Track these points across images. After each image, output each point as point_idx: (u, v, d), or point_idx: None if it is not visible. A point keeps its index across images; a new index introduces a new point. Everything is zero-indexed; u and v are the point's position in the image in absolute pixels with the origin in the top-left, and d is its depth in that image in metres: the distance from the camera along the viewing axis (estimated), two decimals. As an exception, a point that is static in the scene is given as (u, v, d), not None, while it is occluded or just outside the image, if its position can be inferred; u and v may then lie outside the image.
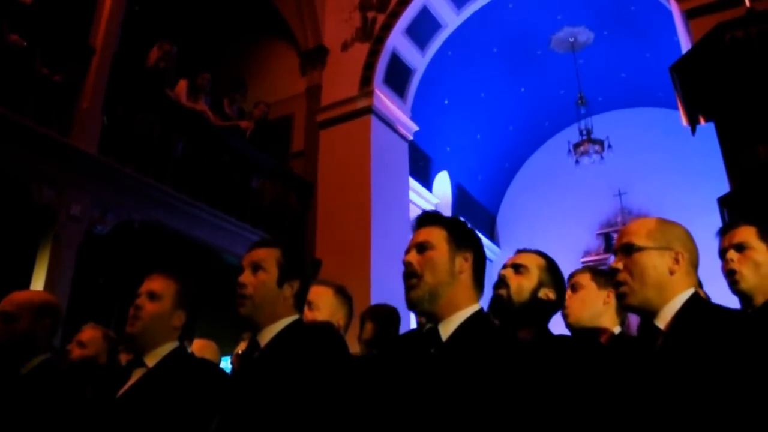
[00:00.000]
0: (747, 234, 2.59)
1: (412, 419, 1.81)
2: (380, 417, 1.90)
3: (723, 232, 2.68)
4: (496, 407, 1.75)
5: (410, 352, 2.01)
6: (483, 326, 1.98)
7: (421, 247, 2.04)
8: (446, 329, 1.96)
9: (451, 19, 10.51)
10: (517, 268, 2.56)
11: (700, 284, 3.16)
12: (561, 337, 2.59)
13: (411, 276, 2.02)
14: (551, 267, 2.61)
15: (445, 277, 2.00)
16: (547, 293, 2.55)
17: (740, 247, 2.58)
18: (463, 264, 2.04)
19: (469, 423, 1.74)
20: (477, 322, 1.98)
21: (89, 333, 3.75)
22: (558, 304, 2.61)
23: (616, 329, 2.76)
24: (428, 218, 2.13)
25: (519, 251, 2.70)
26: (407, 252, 2.07)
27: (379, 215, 9.11)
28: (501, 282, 2.55)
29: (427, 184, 12.09)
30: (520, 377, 1.80)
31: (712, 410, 1.64)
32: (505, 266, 2.61)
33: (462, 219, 2.22)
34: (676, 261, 1.94)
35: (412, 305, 2.03)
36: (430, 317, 2.01)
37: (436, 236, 2.05)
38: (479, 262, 2.10)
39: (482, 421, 1.74)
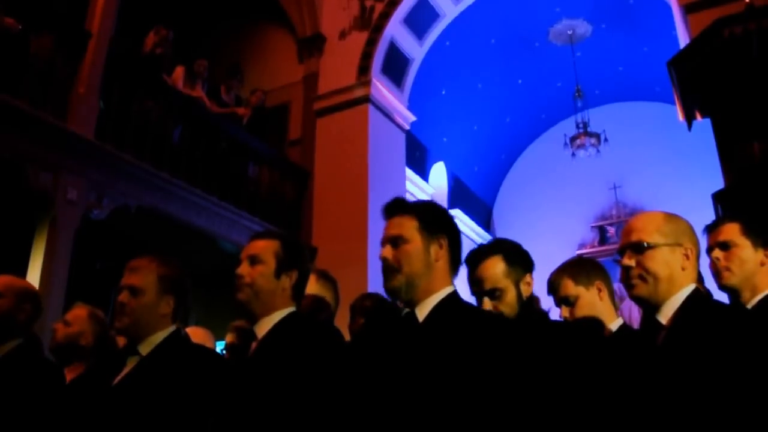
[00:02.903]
0: (731, 231, 2.62)
1: (398, 400, 1.86)
2: (369, 402, 1.94)
3: (709, 230, 2.70)
4: (470, 382, 1.81)
5: (392, 336, 2.06)
6: (456, 306, 2.04)
7: (395, 241, 2.07)
8: (422, 312, 2.02)
9: (449, 9, 10.49)
10: (493, 295, 2.55)
11: (701, 279, 3.19)
12: (565, 324, 2.61)
13: (390, 270, 2.06)
14: (512, 259, 2.60)
15: (421, 268, 2.04)
16: (527, 282, 2.58)
17: (725, 246, 2.61)
18: (439, 251, 2.08)
19: (447, 398, 1.80)
20: (450, 303, 2.04)
21: (75, 312, 3.66)
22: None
23: (617, 322, 2.75)
24: (398, 207, 2.15)
25: (475, 266, 2.64)
26: (383, 245, 2.10)
27: (376, 204, 9.07)
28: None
29: (424, 174, 12.09)
30: (491, 352, 1.86)
31: (714, 405, 1.66)
32: (480, 294, 2.58)
33: (433, 202, 2.23)
34: (687, 257, 1.97)
35: (391, 294, 2.09)
36: (408, 303, 2.06)
37: (409, 228, 2.08)
38: (455, 243, 2.13)
39: (458, 396, 1.80)
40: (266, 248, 2.32)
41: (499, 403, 1.80)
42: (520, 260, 2.62)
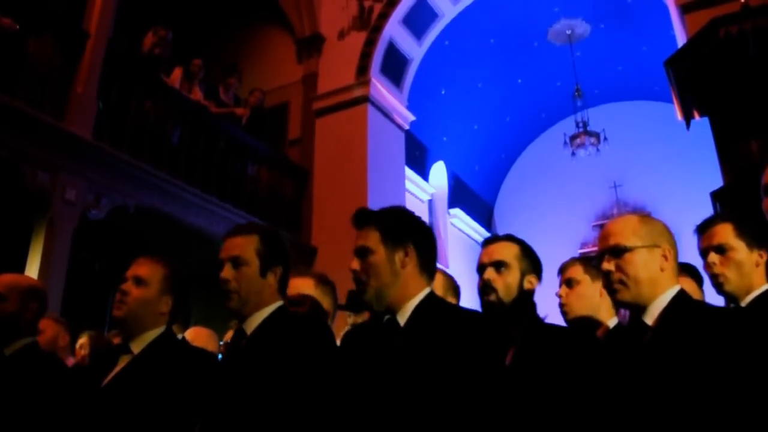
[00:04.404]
0: (725, 234, 2.57)
1: (382, 402, 1.89)
2: (356, 406, 1.96)
3: (701, 231, 2.65)
4: (451, 380, 1.84)
5: (375, 341, 2.09)
6: (433, 307, 2.08)
7: (361, 253, 2.10)
8: (403, 317, 2.05)
9: (447, 9, 10.49)
10: (498, 267, 2.54)
11: (701, 281, 3.18)
12: (556, 327, 2.61)
13: (358, 283, 2.09)
14: (527, 252, 2.61)
15: (387, 278, 2.06)
16: (530, 280, 2.57)
17: (720, 249, 2.56)
18: (404, 259, 2.09)
19: (429, 398, 1.83)
20: (428, 304, 2.08)
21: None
22: (538, 284, 2.63)
23: (612, 321, 2.78)
24: (362, 218, 2.17)
25: (489, 242, 2.67)
26: (353, 257, 2.12)
27: (376, 204, 8.99)
28: (487, 287, 2.54)
29: (424, 174, 12.09)
30: (470, 350, 1.90)
31: (700, 405, 1.68)
32: (483, 266, 2.58)
33: (398, 209, 2.23)
34: (665, 258, 1.97)
35: (366, 306, 2.14)
36: (387, 311, 2.09)
37: (373, 239, 2.10)
38: (423, 248, 2.14)
39: (439, 396, 1.83)
40: (246, 246, 2.27)
41: (481, 401, 1.83)
42: (532, 258, 2.62)
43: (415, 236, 2.14)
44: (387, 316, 2.09)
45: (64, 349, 3.76)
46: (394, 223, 2.14)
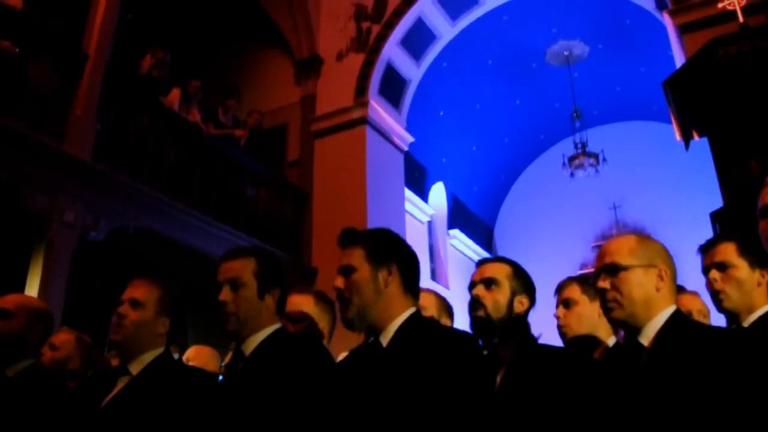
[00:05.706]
0: (728, 252, 2.58)
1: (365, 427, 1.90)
2: (341, 427, 1.96)
3: (704, 250, 2.67)
4: (432, 401, 1.84)
5: (361, 364, 2.10)
6: (417, 327, 2.09)
7: (346, 271, 2.12)
8: (386, 338, 2.07)
9: (446, 31, 10.55)
10: (488, 284, 2.53)
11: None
12: (549, 348, 2.59)
13: (341, 300, 2.11)
14: (518, 272, 2.60)
15: (370, 296, 2.08)
16: (521, 301, 2.55)
17: (722, 266, 2.57)
18: (387, 278, 2.11)
19: (410, 422, 1.83)
20: (411, 324, 2.09)
21: (62, 336, 3.73)
22: (531, 306, 2.62)
23: (611, 340, 2.77)
24: (347, 237, 2.20)
25: (482, 262, 2.68)
26: (337, 275, 2.15)
27: (376, 225, 9.07)
28: (476, 303, 2.53)
29: (423, 195, 12.09)
30: (453, 370, 1.90)
31: (697, 427, 1.66)
32: (474, 284, 2.57)
33: (383, 230, 2.27)
34: (661, 278, 1.98)
35: (347, 326, 2.13)
36: (371, 332, 2.12)
37: (357, 257, 2.13)
38: (407, 269, 2.17)
39: (421, 419, 1.83)
40: (244, 269, 2.28)
41: (462, 424, 1.83)
42: (525, 279, 2.61)
43: (398, 256, 2.17)
44: (371, 338, 2.10)
45: (74, 372, 3.70)
46: (379, 242, 2.18)
